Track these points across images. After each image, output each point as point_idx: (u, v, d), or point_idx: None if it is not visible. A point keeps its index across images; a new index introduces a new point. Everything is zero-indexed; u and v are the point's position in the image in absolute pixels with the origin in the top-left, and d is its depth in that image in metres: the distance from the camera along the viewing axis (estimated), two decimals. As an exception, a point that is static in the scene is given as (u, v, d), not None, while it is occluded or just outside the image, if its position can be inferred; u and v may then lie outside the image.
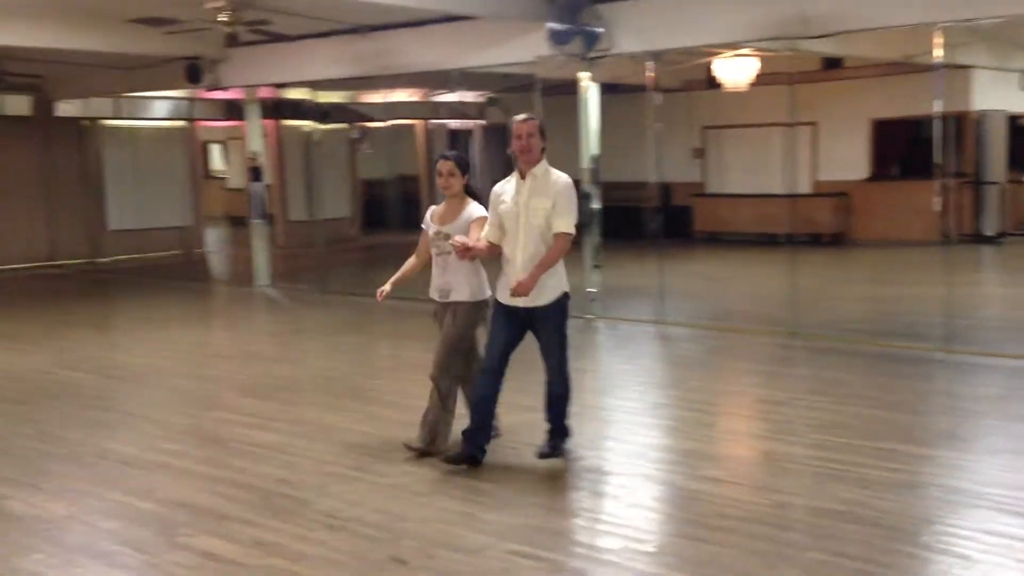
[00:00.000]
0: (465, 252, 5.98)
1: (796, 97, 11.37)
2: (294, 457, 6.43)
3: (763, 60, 14.42)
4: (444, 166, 6.41)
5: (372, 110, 19.83)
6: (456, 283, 6.32)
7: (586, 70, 11.58)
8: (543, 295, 5.98)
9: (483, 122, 22.63)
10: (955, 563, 4.59)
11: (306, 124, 17.75)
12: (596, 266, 11.71)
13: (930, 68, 9.82)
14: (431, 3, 10.97)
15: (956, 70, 14.86)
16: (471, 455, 6.08)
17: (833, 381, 8.36)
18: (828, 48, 12.49)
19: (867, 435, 6.64)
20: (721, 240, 19.39)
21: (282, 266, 16.57)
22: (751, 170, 19.03)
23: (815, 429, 6.84)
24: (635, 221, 15.52)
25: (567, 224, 5.96)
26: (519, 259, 5.96)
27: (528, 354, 6.32)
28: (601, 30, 11.05)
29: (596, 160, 11.75)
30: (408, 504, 5.50)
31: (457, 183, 6.37)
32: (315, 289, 14.54)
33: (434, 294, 6.45)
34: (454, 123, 22.15)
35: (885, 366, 8.95)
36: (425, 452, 6.26)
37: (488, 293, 6.34)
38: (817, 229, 18.01)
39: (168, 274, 16.97)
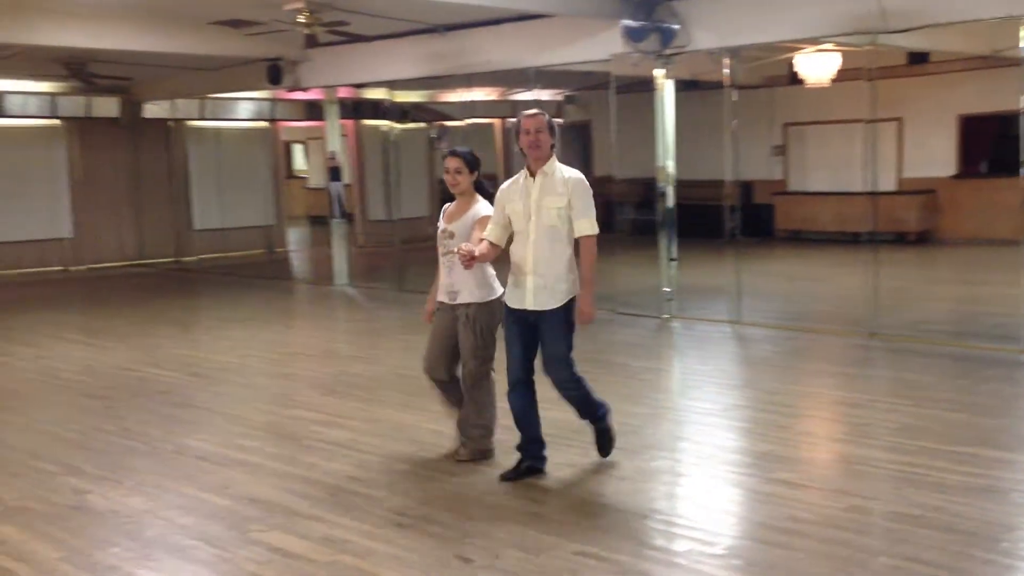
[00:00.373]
0: (470, 262, 5.68)
1: (880, 93, 11.14)
2: (366, 455, 6.49)
3: (846, 55, 14.18)
4: (452, 162, 6.14)
5: (450, 109, 19.92)
6: (464, 284, 6.09)
7: (662, 67, 11.49)
8: (554, 298, 5.76)
9: (561, 120, 22.60)
10: (1034, 572, 4.46)
11: (385, 124, 17.90)
12: (673, 259, 11.62)
13: (1018, 62, 9.54)
14: (507, 2, 10.98)
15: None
16: (530, 467, 5.94)
17: (913, 383, 8.18)
18: (912, 42, 12.24)
19: (947, 439, 6.49)
20: (803, 239, 19.10)
21: (361, 265, 16.76)
22: (834, 167, 18.72)
23: (893, 432, 6.71)
24: (713, 220, 15.38)
25: (591, 225, 5.77)
26: (530, 261, 5.75)
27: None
28: (677, 27, 10.96)
29: (672, 158, 11.66)
30: (476, 504, 5.52)
31: (465, 180, 6.13)
32: (393, 288, 14.68)
33: (443, 296, 6.20)
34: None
35: (968, 368, 8.74)
36: (478, 458, 6.21)
37: (500, 291, 6.13)
38: (902, 227, 17.66)
39: (250, 273, 17.26)
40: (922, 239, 17.89)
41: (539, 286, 5.76)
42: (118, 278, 17.07)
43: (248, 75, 15.35)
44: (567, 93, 21.12)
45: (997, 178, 16.92)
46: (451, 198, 6.35)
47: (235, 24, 13.04)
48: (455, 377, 6.32)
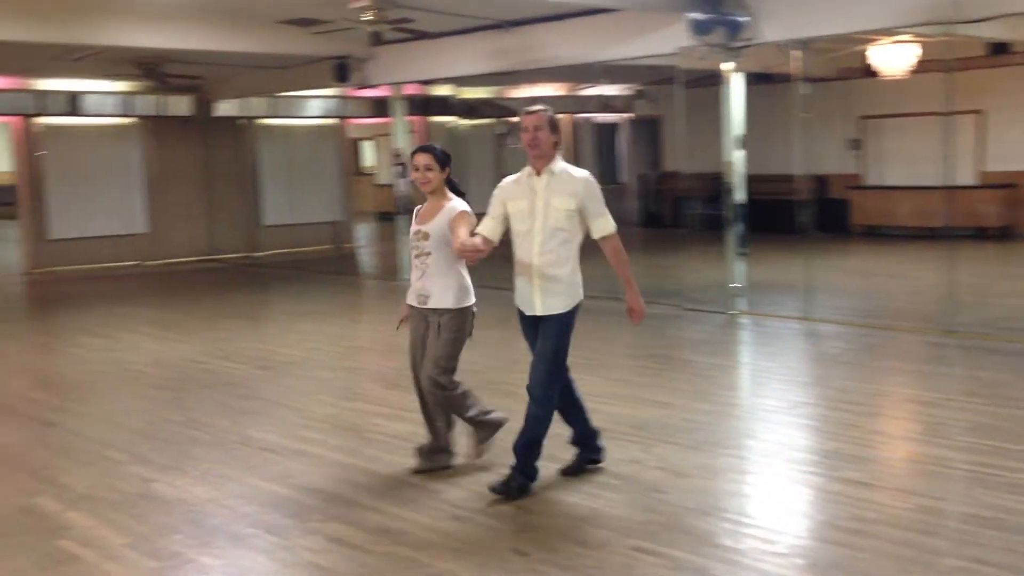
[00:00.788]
0: (474, 256, 5.41)
1: (960, 84, 10.86)
2: (426, 448, 6.48)
3: (923, 46, 13.89)
4: (420, 159, 5.78)
5: (517, 105, 19.89)
6: (435, 288, 5.77)
7: (730, 60, 11.34)
8: (560, 302, 5.54)
9: (630, 115, 22.50)
10: (1110, 575, 4.30)
11: (451, 120, 17.95)
12: (743, 253, 11.46)
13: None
14: (572, -4, 10.95)
15: None
16: (588, 459, 5.88)
17: (989, 381, 7.97)
18: (989, 32, 11.91)
19: (1022, 438, 6.30)
20: (879, 234, 18.75)
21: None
22: (911, 161, 18.33)
23: (966, 431, 6.54)
24: (785, 215, 15.18)
25: (607, 224, 5.55)
26: (536, 263, 5.47)
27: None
28: (745, 19, 10.80)
29: (740, 153, 11.51)
30: (534, 497, 5.48)
31: (436, 178, 5.77)
32: (459, 283, 14.67)
33: (412, 299, 5.88)
34: (600, 116, 22.07)
35: (1046, 366, 8.49)
36: (434, 469, 5.90)
37: (473, 299, 5.86)
38: (982, 222, 17.24)
39: (318, 268, 17.41)
40: (1003, 234, 17.44)
41: (546, 290, 5.52)
42: (190, 273, 17.35)
43: (316, 73, 15.48)
44: (637, 88, 20.99)
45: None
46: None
47: (303, 23, 13.16)
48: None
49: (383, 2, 10.87)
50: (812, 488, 5.64)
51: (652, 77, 17.72)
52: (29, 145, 17.37)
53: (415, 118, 20.37)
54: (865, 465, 6.00)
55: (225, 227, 19.23)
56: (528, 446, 5.56)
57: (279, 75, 16.60)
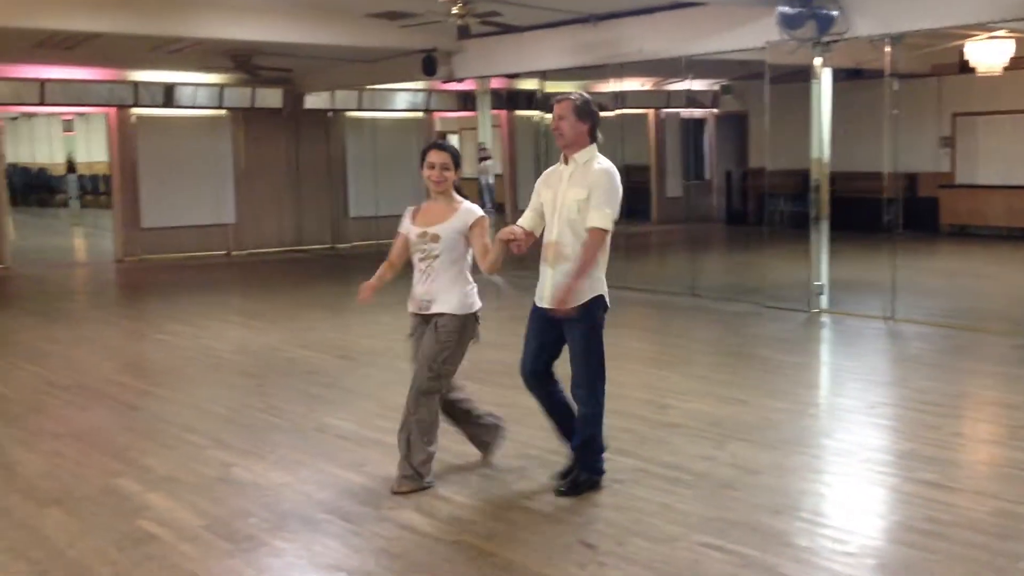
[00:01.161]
0: (520, 245, 5.31)
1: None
2: (498, 439, 6.52)
3: (1019, 42, 13.52)
4: (438, 157, 5.52)
5: (603, 99, 19.84)
6: (440, 292, 5.55)
7: (819, 55, 11.17)
8: (573, 296, 5.33)
9: (716, 110, 22.29)
10: None
11: (537, 114, 17.94)
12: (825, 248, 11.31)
13: None
14: (659, -11, 10.89)
15: None
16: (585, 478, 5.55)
17: (1077, 386, 7.75)
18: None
19: (1109, 444, 6.13)
20: (969, 234, 18.31)
21: (510, 254, 16.82)
22: (1006, 160, 17.87)
23: (1050, 435, 6.37)
24: (872, 212, 14.91)
25: (600, 218, 5.25)
26: (551, 255, 5.38)
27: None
28: (836, 13, 10.64)
29: (828, 149, 11.33)
30: (605, 491, 5.49)
31: (451, 178, 5.56)
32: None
33: (412, 306, 5.66)
34: (686, 111, 21.90)
35: None
36: (416, 489, 5.53)
37: (478, 306, 5.64)
38: (1076, 223, 16.74)
39: (402, 260, 17.53)
40: (1102, 236, 16.93)
41: (558, 283, 5.36)
42: (276, 263, 17.65)
43: (403, 67, 15.64)
44: (723, 83, 20.79)
45: None
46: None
47: (391, 16, 13.29)
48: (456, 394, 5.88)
49: (471, -5, 10.96)
50: (887, 489, 5.55)
51: (740, 72, 17.55)
52: (125, 136, 17.83)
53: (500, 112, 20.47)
54: (942, 467, 5.88)
55: (311, 218, 19.53)
56: (584, 445, 5.51)
57: (367, 68, 16.80)
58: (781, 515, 5.10)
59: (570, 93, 5.50)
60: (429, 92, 19.99)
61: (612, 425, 6.73)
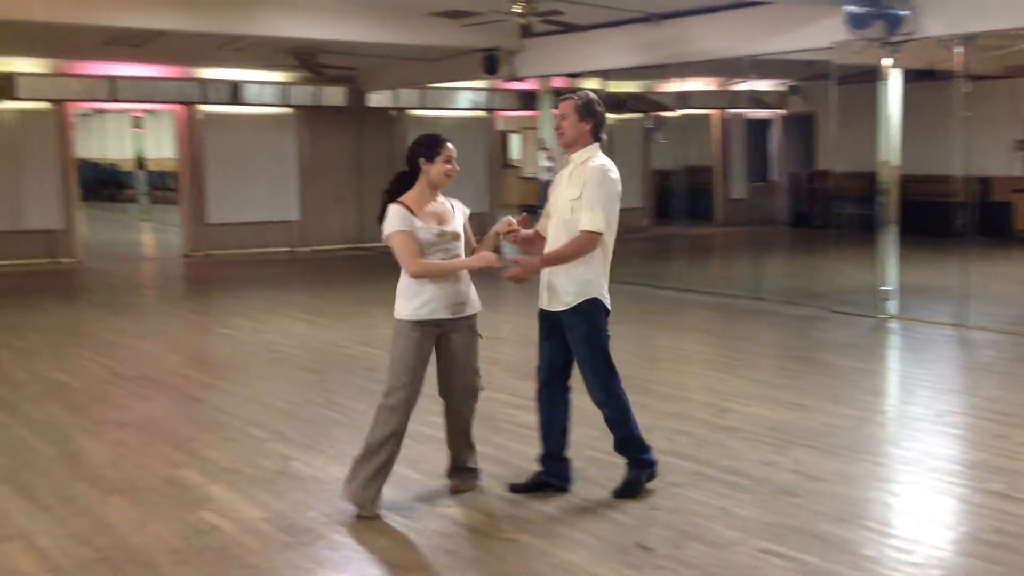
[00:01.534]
0: (517, 237, 5.25)
1: None
2: (556, 439, 6.49)
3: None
4: (454, 151, 5.29)
5: (666, 99, 19.74)
6: (471, 293, 5.34)
7: (888, 55, 10.98)
8: (558, 299, 5.25)
9: (782, 111, 22.04)
10: None
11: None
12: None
13: None
14: (724, -12, 10.79)
15: None
16: (542, 481, 5.46)
17: None
18: None
19: None
20: (1045, 240, 17.91)
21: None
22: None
23: (1124, 447, 6.19)
24: (942, 216, 14.65)
25: (590, 220, 5.10)
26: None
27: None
28: (904, 12, 10.45)
29: (896, 151, 11.14)
30: (663, 493, 5.44)
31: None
32: (600, 277, 14.65)
33: (443, 311, 5.21)
34: (751, 113, 21.69)
35: None
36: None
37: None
38: None
39: (463, 259, 17.58)
40: None
41: (552, 285, 5.27)
42: (339, 260, 17.78)
43: (465, 65, 15.68)
44: (790, 83, 20.55)
45: None
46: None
47: (453, 15, 13.33)
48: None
49: (533, -6, 10.94)
50: (954, 498, 5.43)
51: (806, 72, 17.33)
52: (192, 132, 18.08)
53: (563, 111, 20.42)
54: (1011, 477, 5.74)
55: (374, 216, 19.49)
56: (624, 444, 5.46)
57: (430, 67, 16.86)
58: (844, 523, 5.02)
59: (576, 92, 5.42)
60: (491, 91, 20.01)
61: (671, 428, 6.72)
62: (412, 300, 5.20)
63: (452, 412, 5.49)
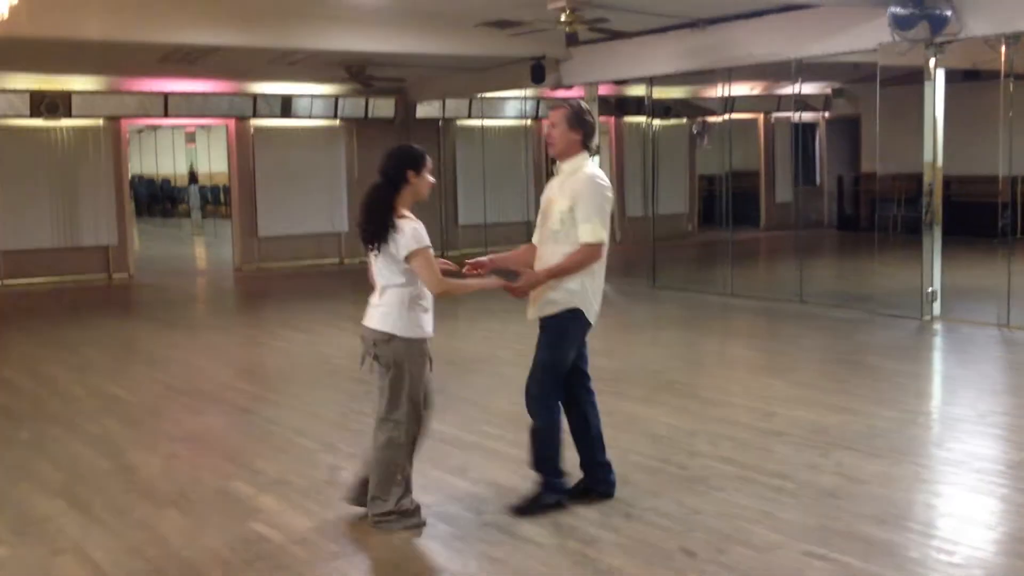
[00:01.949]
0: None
1: None
2: (601, 445, 6.55)
3: None
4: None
5: (712, 104, 19.71)
6: None
7: (933, 56, 10.92)
8: (549, 306, 5.23)
9: (828, 114, 21.92)
10: None
11: (645, 120, 17.92)
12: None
13: None
14: (768, -8, 10.80)
15: None
16: (587, 488, 5.49)
17: None
18: None
19: None
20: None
21: (617, 261, 16.80)
22: None
23: None
24: (988, 217, 14.50)
25: (589, 232, 5.08)
26: (537, 266, 5.31)
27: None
28: (948, 13, 10.39)
29: (941, 152, 11.07)
30: (705, 498, 5.48)
31: None
32: (645, 284, 14.69)
33: (431, 328, 5.27)
34: (797, 116, 21.58)
35: None
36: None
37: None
38: None
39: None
40: None
41: (536, 294, 5.27)
42: (388, 270, 17.91)
43: (512, 74, 15.78)
44: (835, 86, 20.43)
45: None
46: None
47: (501, 25, 13.43)
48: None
49: (580, 2, 11.00)
50: (997, 499, 5.42)
51: (852, 75, 17.24)
52: (243, 146, 18.36)
53: (609, 118, 20.48)
54: (1058, 480, 5.72)
55: (433, 229, 19.73)
56: (540, 462, 5.38)
57: (477, 77, 16.99)
58: (887, 525, 5.03)
59: (568, 101, 5.42)
60: (538, 99, 20.11)
61: (715, 432, 6.75)
62: (421, 317, 5.17)
63: (424, 428, 5.41)
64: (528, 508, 5.33)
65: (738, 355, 9.97)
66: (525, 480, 5.83)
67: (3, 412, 8.04)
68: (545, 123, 5.41)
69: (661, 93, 17.95)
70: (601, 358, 9.76)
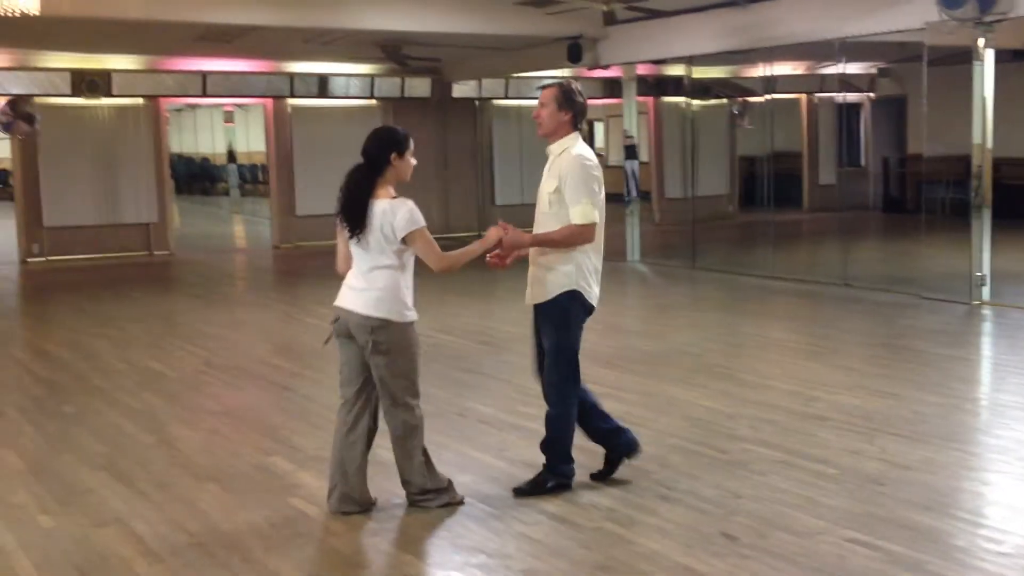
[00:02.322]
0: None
1: None
2: (638, 427, 6.42)
3: None
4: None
5: (753, 84, 19.48)
6: None
7: (981, 36, 10.71)
8: (542, 290, 5.19)
9: (873, 95, 21.63)
10: None
11: (684, 100, 17.73)
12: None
13: None
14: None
15: None
16: (614, 459, 5.49)
17: None
18: None
19: None
20: None
21: (655, 242, 16.74)
22: None
23: None
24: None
25: (580, 213, 5.01)
26: (531, 250, 5.24)
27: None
28: (999, -9, 10.17)
29: (990, 134, 10.87)
30: (745, 482, 5.41)
31: None
32: (685, 265, 14.58)
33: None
34: (840, 97, 21.31)
35: None
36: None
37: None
38: None
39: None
40: None
41: (534, 278, 5.24)
42: (425, 250, 17.91)
43: (549, 54, 15.66)
44: (880, 66, 20.13)
45: None
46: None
47: (538, 3, 13.33)
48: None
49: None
50: (1046, 488, 5.31)
51: (897, 55, 16.98)
52: (281, 126, 18.39)
53: (646, 98, 20.31)
54: (1109, 468, 5.59)
55: (458, 206, 19.75)
56: (550, 445, 5.35)
57: (514, 56, 16.89)
58: (932, 512, 4.94)
59: (558, 80, 5.34)
60: (574, 79, 19.94)
61: (756, 416, 6.67)
62: (407, 300, 5.09)
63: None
64: (530, 489, 5.32)
65: (779, 338, 9.85)
66: (563, 461, 5.80)
67: (47, 386, 8.11)
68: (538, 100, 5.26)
69: (701, 73, 17.74)
70: (640, 340, 9.74)
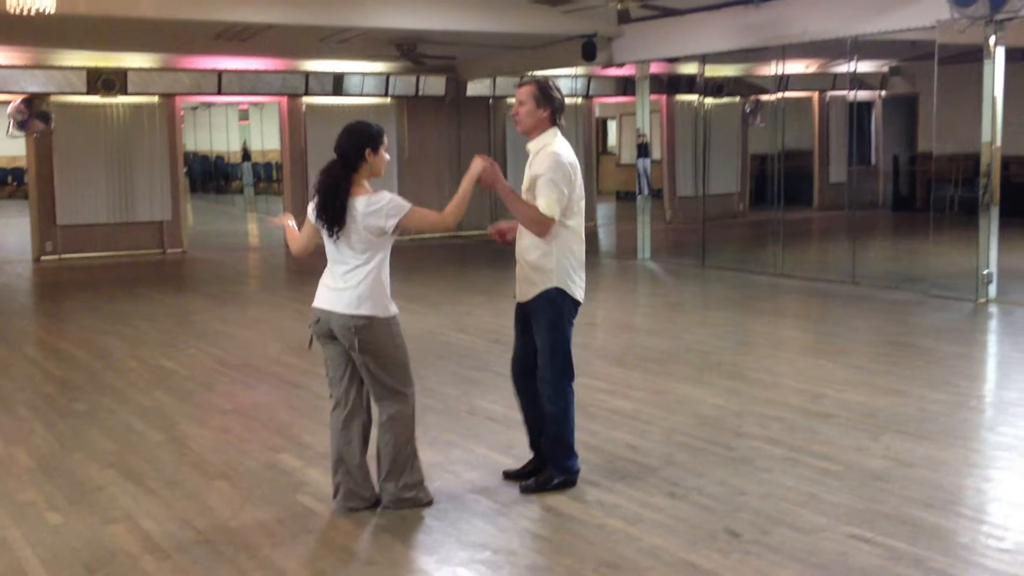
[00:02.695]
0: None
1: None
2: (646, 425, 6.55)
3: None
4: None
5: (765, 82, 19.47)
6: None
7: (992, 34, 10.70)
8: (530, 288, 5.24)
9: (884, 93, 21.60)
10: None
11: (696, 98, 17.75)
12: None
13: None
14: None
15: None
16: (538, 467, 5.47)
17: None
18: None
19: None
20: None
21: (667, 240, 16.77)
22: None
23: None
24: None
25: (544, 205, 5.03)
26: (517, 247, 5.31)
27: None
28: (1010, -10, 10.17)
29: (1000, 132, 10.86)
30: (750, 479, 5.45)
31: None
32: (695, 264, 14.60)
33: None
34: (852, 95, 21.29)
35: None
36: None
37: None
38: None
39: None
40: None
41: (522, 276, 5.29)
42: (436, 248, 17.99)
43: (564, 52, 15.70)
44: (892, 64, 20.10)
45: None
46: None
47: (553, 2, 13.37)
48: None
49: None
50: (1050, 486, 5.34)
51: (909, 53, 16.95)
52: (295, 124, 18.47)
53: (660, 97, 20.33)
54: (1114, 466, 5.62)
55: (472, 205, 19.20)
56: (553, 444, 5.36)
57: (528, 54, 16.93)
58: (935, 509, 4.97)
59: (535, 78, 5.32)
60: (588, 77, 20.00)
61: (763, 413, 6.71)
62: (387, 294, 5.11)
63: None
64: (536, 486, 5.36)
65: (788, 336, 9.89)
66: (570, 458, 5.84)
67: (59, 383, 8.20)
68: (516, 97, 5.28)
69: (713, 71, 17.76)
70: (649, 337, 9.77)
